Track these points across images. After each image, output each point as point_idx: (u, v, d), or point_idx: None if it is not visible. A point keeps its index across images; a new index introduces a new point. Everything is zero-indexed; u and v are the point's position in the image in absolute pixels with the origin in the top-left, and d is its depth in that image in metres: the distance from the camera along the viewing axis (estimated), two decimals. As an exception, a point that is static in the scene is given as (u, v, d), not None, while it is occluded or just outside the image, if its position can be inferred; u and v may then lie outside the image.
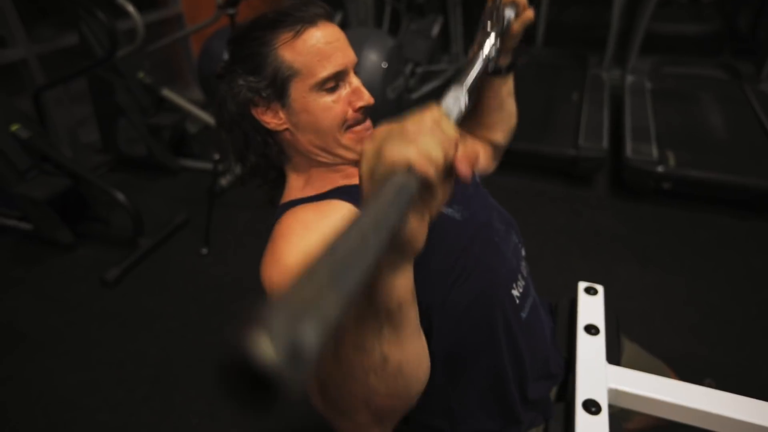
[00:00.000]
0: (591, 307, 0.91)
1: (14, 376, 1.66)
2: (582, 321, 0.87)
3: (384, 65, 2.90)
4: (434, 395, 0.75)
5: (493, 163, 1.02)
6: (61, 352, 1.74)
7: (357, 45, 2.88)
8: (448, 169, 0.39)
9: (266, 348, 0.16)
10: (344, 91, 0.70)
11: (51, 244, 2.21)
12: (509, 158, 2.68)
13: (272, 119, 0.72)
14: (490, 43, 0.66)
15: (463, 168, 0.38)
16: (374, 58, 2.89)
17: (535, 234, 2.23)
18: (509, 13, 0.78)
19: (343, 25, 3.72)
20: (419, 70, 3.82)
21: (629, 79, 3.30)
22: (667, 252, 2.10)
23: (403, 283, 0.43)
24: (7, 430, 1.49)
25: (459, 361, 0.73)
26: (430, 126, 0.38)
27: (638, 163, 2.36)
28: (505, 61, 0.87)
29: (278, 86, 0.68)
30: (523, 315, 0.76)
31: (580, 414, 0.71)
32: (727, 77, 3.36)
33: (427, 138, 0.36)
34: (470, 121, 0.95)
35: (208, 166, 2.34)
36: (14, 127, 2.07)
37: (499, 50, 0.69)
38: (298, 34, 0.67)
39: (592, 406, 0.71)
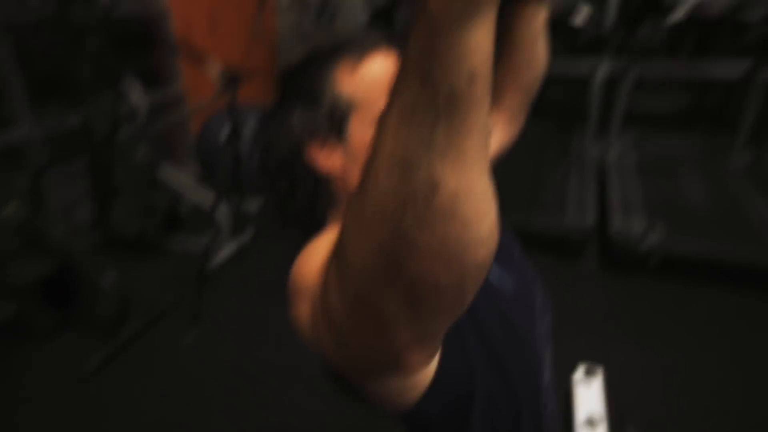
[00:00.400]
0: (590, 393, 0.88)
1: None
2: (580, 412, 0.85)
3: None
4: None
5: (516, 126, 0.90)
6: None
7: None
8: None
9: None
10: None
11: (29, 335, 2.15)
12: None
13: (327, 160, 0.63)
14: None
15: None
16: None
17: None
18: None
19: None
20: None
21: (612, 152, 3.39)
22: (659, 329, 2.09)
23: (482, 40, 0.28)
24: None
25: None
26: None
27: (625, 238, 2.39)
28: None
29: (336, 122, 0.61)
30: (546, 411, 0.72)
31: None
32: (703, 150, 3.47)
33: None
34: (501, 64, 0.82)
35: (199, 246, 2.35)
36: (8, 209, 2.07)
37: None
38: (358, 63, 0.60)
39: None
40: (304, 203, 0.65)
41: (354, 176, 0.59)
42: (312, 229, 0.65)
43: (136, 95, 2.52)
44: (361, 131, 0.61)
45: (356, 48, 0.61)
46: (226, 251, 2.68)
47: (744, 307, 2.18)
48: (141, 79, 2.75)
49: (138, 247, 2.81)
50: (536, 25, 0.77)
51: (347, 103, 0.60)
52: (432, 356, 0.46)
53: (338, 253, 0.37)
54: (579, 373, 0.91)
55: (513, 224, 2.60)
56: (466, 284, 0.35)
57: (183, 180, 2.76)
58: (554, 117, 4.30)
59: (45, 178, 2.52)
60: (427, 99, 0.29)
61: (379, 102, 0.54)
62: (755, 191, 2.75)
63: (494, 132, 0.85)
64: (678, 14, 2.89)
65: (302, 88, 0.62)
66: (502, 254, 0.66)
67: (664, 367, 1.88)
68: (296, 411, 1.76)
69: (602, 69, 3.41)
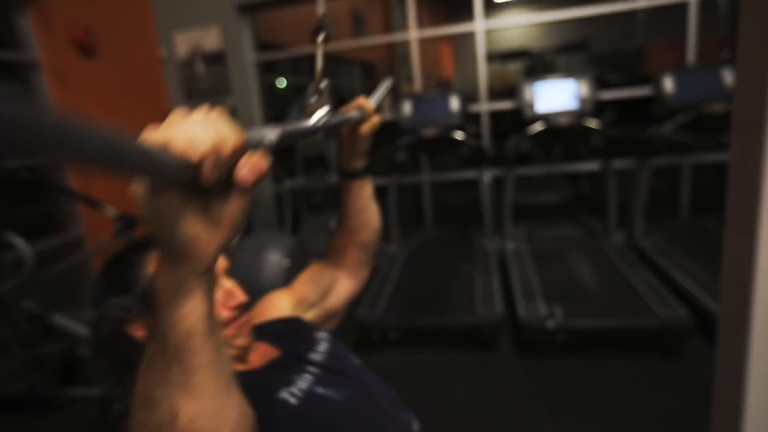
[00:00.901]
0: None
1: None
2: None
3: (285, 263, 3.06)
4: None
5: (365, 270, 1.05)
6: None
7: (258, 248, 3.05)
8: (227, 169, 0.37)
9: None
10: (218, 296, 0.75)
11: (41, 405, 1.80)
12: (416, 335, 2.76)
13: (141, 332, 0.73)
14: (315, 116, 0.73)
15: (245, 172, 0.37)
16: (275, 258, 3.05)
17: (451, 409, 2.22)
18: (354, 113, 0.88)
19: (247, 230, 3.95)
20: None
21: (509, 245, 3.74)
22: (577, 402, 2.18)
23: (191, 308, 0.39)
24: None
25: None
26: (201, 118, 0.37)
27: (531, 323, 2.56)
28: (360, 164, 0.95)
29: (151, 300, 0.69)
30: None
31: None
32: (584, 234, 3.93)
33: (193, 124, 0.36)
34: (340, 228, 1.00)
35: (98, 392, 2.17)
36: None
37: (329, 126, 0.75)
38: None
39: None
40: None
41: None
42: None
43: (21, 246, 2.44)
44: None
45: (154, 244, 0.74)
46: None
47: (642, 366, 2.38)
48: (38, 226, 2.68)
49: (27, 405, 2.51)
50: (364, 195, 0.97)
51: None
52: None
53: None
54: None
55: (427, 323, 2.73)
56: None
57: (79, 326, 2.60)
58: (456, 220, 4.71)
59: None
60: (160, 351, 0.40)
61: None
62: (634, 264, 3.14)
63: (339, 285, 1.01)
64: (536, 127, 3.46)
65: (118, 275, 0.74)
66: (332, 375, 0.80)
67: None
68: None
69: (486, 176, 3.88)
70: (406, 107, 3.71)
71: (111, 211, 2.70)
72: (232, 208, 0.40)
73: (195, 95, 4.44)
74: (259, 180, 0.39)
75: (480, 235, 4.01)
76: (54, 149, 0.25)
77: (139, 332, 0.73)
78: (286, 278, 3.03)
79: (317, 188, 4.20)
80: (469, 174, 4.22)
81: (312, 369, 0.79)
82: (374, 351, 2.79)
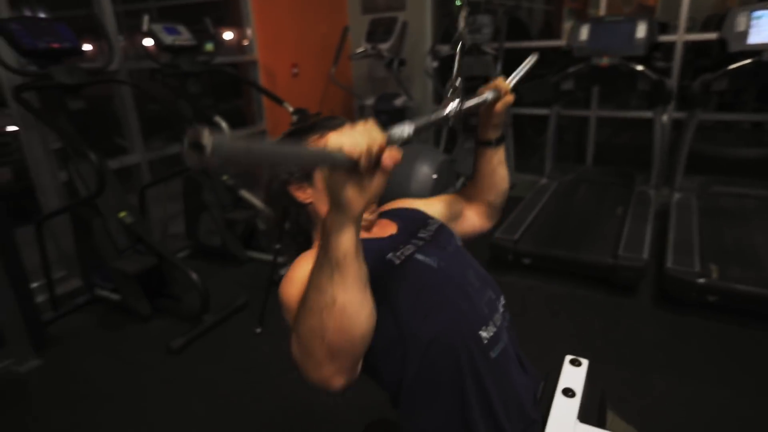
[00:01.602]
0: (572, 376, 1.02)
1: (82, 423, 1.91)
2: (561, 385, 0.97)
3: (434, 177, 3.26)
4: (407, 419, 0.90)
5: (490, 221, 1.21)
6: (126, 408, 1.99)
7: (412, 159, 3.32)
8: (376, 160, 0.58)
9: (206, 138, 0.38)
10: None
11: (132, 315, 2.58)
12: (551, 265, 2.79)
13: (302, 194, 0.98)
14: (448, 108, 0.90)
15: (386, 161, 0.59)
16: (426, 170, 3.26)
17: (570, 338, 2.29)
18: (489, 94, 1.02)
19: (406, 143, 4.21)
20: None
21: (676, 196, 3.43)
22: (709, 366, 2.08)
23: (346, 239, 0.61)
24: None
25: (426, 388, 0.85)
26: (361, 129, 0.58)
27: (678, 274, 2.42)
28: (494, 135, 1.09)
29: (308, 174, 0.97)
30: (493, 354, 0.88)
31: None
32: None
33: (357, 135, 0.57)
34: (470, 185, 1.17)
35: (270, 257, 2.69)
36: (122, 214, 2.55)
37: (459, 115, 0.92)
38: (322, 136, 0.95)
39: None
40: (294, 222, 1.01)
41: (319, 206, 0.99)
42: (302, 247, 1.00)
43: (224, 130, 2.98)
44: (320, 178, 0.95)
45: (321, 127, 0.97)
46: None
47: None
48: (234, 118, 3.24)
49: (219, 256, 3.22)
50: (495, 161, 1.10)
51: None
52: (350, 380, 0.71)
53: (295, 324, 0.69)
54: (565, 363, 1.00)
55: (562, 255, 2.74)
56: (356, 346, 0.67)
57: (259, 201, 3.16)
58: (619, 161, 4.39)
59: (148, 194, 3.02)
60: (327, 261, 0.62)
61: None
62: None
63: (465, 220, 1.19)
64: (742, 64, 2.99)
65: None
66: (433, 247, 0.97)
67: (708, 400, 1.88)
68: (349, 400, 1.96)
69: (664, 116, 3.51)
70: (583, 32, 3.46)
71: (289, 107, 3.15)
72: (376, 182, 0.60)
73: (371, 9, 4.67)
74: (395, 165, 0.60)
75: (643, 181, 3.72)
76: (277, 161, 0.54)
77: (296, 191, 0.97)
78: (431, 191, 3.25)
79: (476, 111, 4.23)
80: (644, 113, 3.85)
81: (417, 241, 0.97)
82: (505, 272, 2.92)
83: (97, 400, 2.05)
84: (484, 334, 0.88)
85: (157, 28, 2.89)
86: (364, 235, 0.99)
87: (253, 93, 4.37)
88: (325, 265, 0.62)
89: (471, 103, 0.96)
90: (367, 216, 0.97)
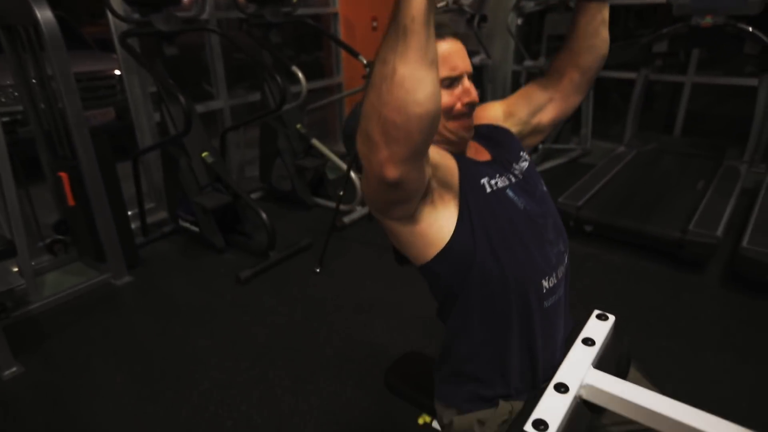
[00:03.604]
0: (596, 328, 1.03)
1: (161, 331, 2.21)
2: (582, 335, 0.99)
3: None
4: (452, 332, 0.94)
5: (578, 97, 1.08)
6: (198, 324, 2.26)
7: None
8: None
9: None
10: (458, 90, 0.89)
11: (208, 246, 2.86)
12: (614, 234, 2.70)
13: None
14: None
15: None
16: None
17: (623, 307, 2.26)
18: None
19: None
20: (541, 147, 4.04)
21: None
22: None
23: (416, 2, 0.56)
24: (153, 368, 2.00)
25: (479, 312, 0.88)
26: None
27: (754, 254, 2.28)
28: None
29: None
30: (546, 304, 0.89)
31: (549, 391, 0.78)
32: None
33: None
34: (565, 49, 1.03)
35: (333, 205, 2.84)
36: (204, 154, 2.79)
37: None
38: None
39: (561, 387, 0.78)
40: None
41: None
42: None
43: (302, 79, 3.11)
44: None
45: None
46: (355, 214, 3.15)
47: None
48: (314, 69, 3.37)
49: (289, 200, 3.44)
50: (598, 19, 0.97)
51: None
52: (405, 174, 0.67)
53: (361, 126, 0.67)
54: (591, 317, 0.98)
55: (626, 225, 2.64)
56: (411, 125, 0.61)
57: (329, 151, 3.30)
58: (711, 133, 4.05)
59: (229, 139, 3.26)
60: (393, 28, 0.57)
61: (444, 65, 0.87)
62: None
63: (549, 106, 1.08)
64: None
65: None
66: (523, 188, 0.94)
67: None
68: (391, 337, 2.10)
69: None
70: (686, -13, 3.15)
71: (363, 59, 3.21)
72: None
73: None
74: None
75: (735, 156, 3.43)
76: None
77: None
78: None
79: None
80: (748, 80, 3.50)
81: (510, 177, 0.94)
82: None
83: (174, 315, 2.35)
84: (545, 283, 0.89)
85: (244, -22, 3.03)
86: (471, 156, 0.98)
87: (332, 45, 4.46)
88: (392, 33, 0.58)
89: None
90: (461, 133, 0.94)
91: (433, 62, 0.61)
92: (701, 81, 3.84)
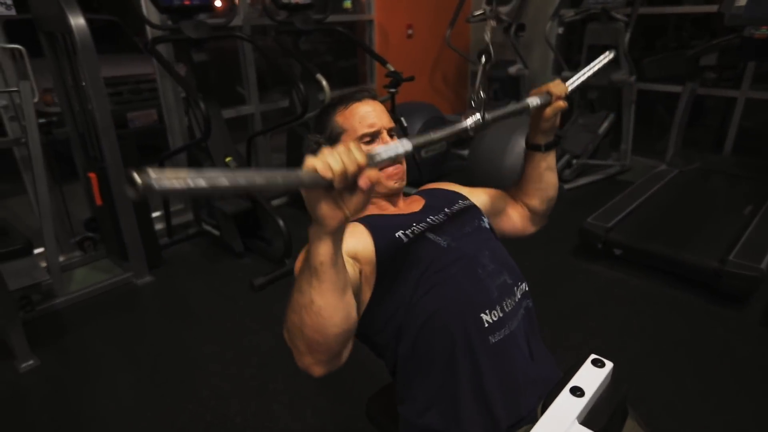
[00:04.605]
0: (589, 376, 0.93)
1: (176, 335, 2.24)
2: (572, 383, 0.91)
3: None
4: (402, 388, 0.93)
5: (532, 227, 1.19)
6: (208, 329, 2.28)
7: (510, 131, 3.19)
8: (352, 181, 0.59)
9: (141, 178, 0.40)
10: (378, 144, 0.98)
11: (227, 250, 2.89)
12: (644, 260, 2.53)
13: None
14: (469, 120, 0.87)
15: (362, 182, 0.60)
16: (522, 145, 3.10)
17: (647, 339, 2.10)
18: (533, 100, 0.99)
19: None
20: (576, 162, 3.86)
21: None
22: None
23: (324, 250, 0.63)
24: (159, 371, 2.02)
25: (421, 361, 0.88)
26: (340, 150, 0.58)
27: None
28: (543, 140, 1.06)
29: (334, 140, 1.00)
30: (492, 339, 0.87)
31: None
32: None
33: (332, 157, 0.58)
34: (515, 187, 1.15)
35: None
36: (228, 159, 2.82)
37: (481, 128, 0.88)
38: (347, 107, 1.00)
39: None
40: None
41: None
42: None
43: (325, 87, 3.09)
44: (347, 143, 0.94)
45: (347, 99, 1.01)
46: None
47: None
48: (349, 75, 3.34)
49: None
50: (542, 166, 1.08)
51: (339, 128, 1.00)
52: (330, 369, 0.74)
53: (288, 328, 0.72)
54: (586, 363, 0.94)
55: (658, 251, 2.46)
56: (330, 344, 0.69)
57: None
58: (764, 152, 3.75)
59: (258, 143, 3.28)
60: (308, 267, 0.64)
61: (358, 127, 0.98)
62: None
63: (507, 219, 1.16)
64: None
65: (319, 122, 1.04)
66: (446, 227, 0.98)
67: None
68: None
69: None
70: (741, -4, 2.92)
71: (391, 67, 3.17)
72: (355, 200, 0.61)
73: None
74: (371, 186, 0.62)
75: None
76: (242, 190, 0.50)
77: None
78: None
79: (596, 84, 3.86)
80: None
81: (434, 220, 0.98)
82: (592, 260, 2.72)
83: (187, 318, 2.38)
84: (486, 317, 0.87)
85: (276, -15, 3.05)
86: (388, 210, 1.04)
87: (363, 53, 4.45)
88: (306, 269, 0.66)
89: (500, 113, 0.92)
90: (389, 183, 1.01)
91: (345, 289, 0.68)
92: (757, 97, 3.56)
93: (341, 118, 1.00)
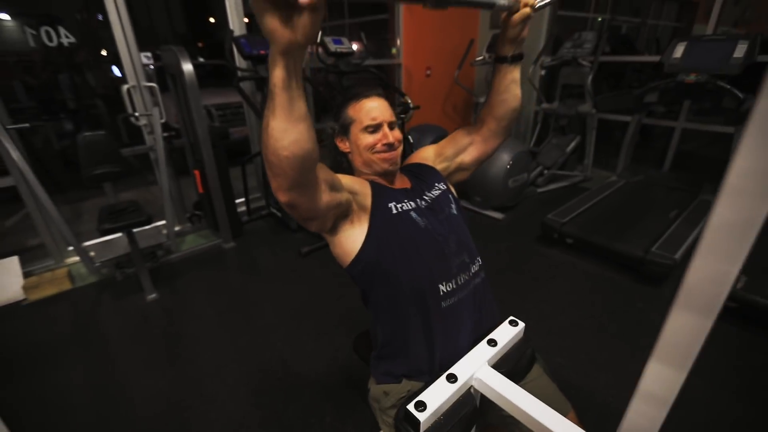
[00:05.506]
0: (503, 332, 0.84)
1: (246, 286, 2.36)
2: (490, 336, 0.82)
3: (508, 163, 3.02)
4: (372, 317, 0.91)
5: (496, 140, 1.00)
6: (268, 283, 2.39)
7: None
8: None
9: None
10: (379, 134, 0.91)
11: (286, 227, 2.99)
12: (589, 248, 2.45)
13: (342, 144, 0.94)
14: None
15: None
16: (504, 158, 3.03)
17: (585, 305, 2.06)
18: (503, 1, 0.77)
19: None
20: (547, 172, 3.74)
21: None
22: (718, 363, 1.68)
23: (276, 72, 0.54)
24: (232, 309, 2.13)
25: (388, 305, 0.86)
26: None
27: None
28: (510, 51, 0.88)
29: (345, 127, 0.93)
30: (444, 304, 0.83)
31: (441, 380, 0.72)
32: None
33: None
34: (486, 103, 0.97)
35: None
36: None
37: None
38: (358, 101, 0.92)
39: (452, 378, 0.72)
40: (344, 165, 0.97)
41: (355, 156, 0.92)
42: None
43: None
44: (355, 133, 0.92)
45: (360, 95, 0.93)
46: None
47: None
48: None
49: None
50: (509, 78, 0.91)
51: (350, 119, 0.92)
52: (293, 199, 0.65)
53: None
54: (504, 323, 0.87)
55: (598, 241, 2.37)
56: (283, 165, 0.60)
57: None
58: (696, 170, 3.52)
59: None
60: (268, 91, 0.56)
61: (364, 119, 0.90)
62: None
63: (471, 147, 1.01)
64: None
65: (336, 112, 0.96)
66: (429, 211, 0.89)
67: (704, 397, 1.56)
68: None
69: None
70: (678, 49, 2.74)
71: (408, 99, 3.12)
72: (302, 21, 0.50)
73: (498, 26, 4.25)
74: (313, 4, 0.48)
75: (711, 191, 2.95)
76: None
77: (338, 142, 0.95)
78: (505, 177, 3.02)
79: (566, 113, 3.71)
80: (726, 128, 2.99)
81: (419, 202, 0.90)
82: (550, 246, 2.66)
83: (255, 275, 2.49)
84: (442, 287, 0.85)
85: (328, 39, 3.08)
86: (387, 184, 0.94)
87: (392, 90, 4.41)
88: (267, 94, 0.57)
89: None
90: (383, 165, 0.92)
91: (299, 118, 0.58)
92: (689, 126, 3.34)
93: (352, 111, 0.92)
